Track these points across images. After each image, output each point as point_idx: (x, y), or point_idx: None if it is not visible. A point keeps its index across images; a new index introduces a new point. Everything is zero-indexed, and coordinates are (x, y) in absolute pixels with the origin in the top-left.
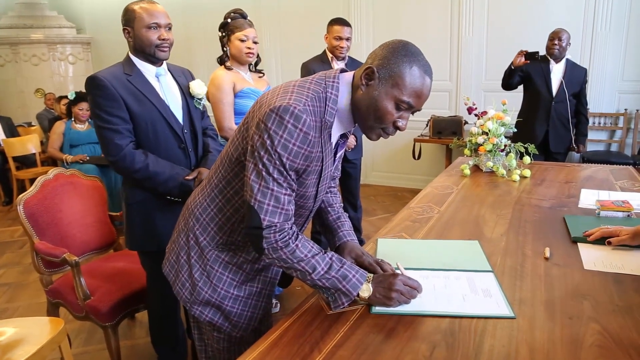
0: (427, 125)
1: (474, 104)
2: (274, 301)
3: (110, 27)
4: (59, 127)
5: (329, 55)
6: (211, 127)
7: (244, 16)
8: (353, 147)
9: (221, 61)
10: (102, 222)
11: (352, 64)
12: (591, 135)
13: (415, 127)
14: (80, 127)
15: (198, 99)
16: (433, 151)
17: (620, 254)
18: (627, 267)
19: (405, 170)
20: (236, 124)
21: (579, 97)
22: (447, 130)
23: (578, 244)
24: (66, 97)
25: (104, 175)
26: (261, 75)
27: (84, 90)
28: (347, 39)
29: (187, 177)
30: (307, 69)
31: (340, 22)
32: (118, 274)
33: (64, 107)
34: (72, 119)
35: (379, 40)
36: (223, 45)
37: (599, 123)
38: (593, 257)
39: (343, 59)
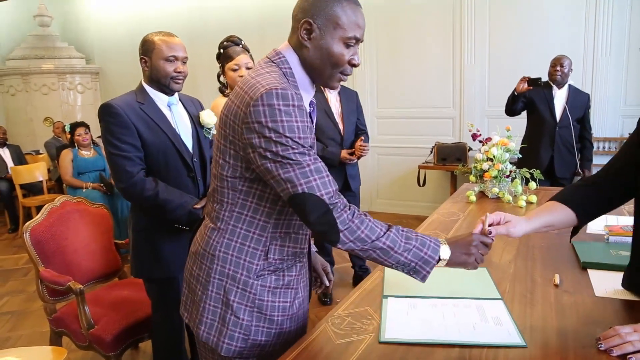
0: (431, 152)
1: (478, 131)
2: None
3: (117, 57)
4: (68, 155)
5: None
6: None
7: (237, 43)
8: (356, 159)
9: (221, 91)
10: (107, 250)
11: (346, 91)
12: (596, 160)
13: (419, 154)
14: (87, 153)
15: (208, 128)
16: (438, 178)
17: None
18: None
19: (410, 197)
20: None
21: (583, 122)
22: (452, 157)
23: (588, 270)
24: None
25: (110, 203)
26: None
27: (90, 118)
28: None
29: (195, 206)
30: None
31: None
32: (122, 303)
33: (67, 136)
34: (77, 147)
35: (382, 69)
36: (219, 76)
37: (604, 147)
38: (604, 284)
39: (335, 88)
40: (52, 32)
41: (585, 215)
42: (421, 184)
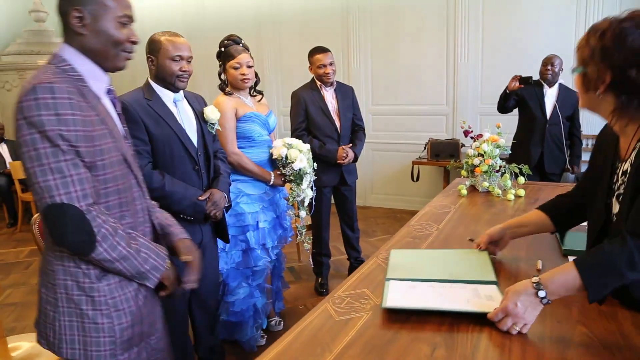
0: (425, 148)
1: (469, 127)
2: (276, 319)
3: None
4: None
5: (317, 83)
6: (221, 150)
7: (237, 42)
8: (349, 160)
9: (221, 89)
10: None
11: (341, 87)
12: (585, 156)
13: (413, 150)
14: None
15: (211, 123)
16: (431, 173)
17: None
18: None
19: (404, 192)
20: (240, 148)
21: (573, 120)
22: (445, 153)
23: (569, 257)
24: None
25: None
26: (260, 98)
27: None
28: (331, 64)
29: (200, 198)
30: (297, 98)
31: (320, 50)
32: None
33: None
34: None
35: (377, 66)
36: (220, 74)
37: (593, 145)
38: None
39: (331, 84)
40: (47, 27)
41: (559, 224)
42: (415, 179)
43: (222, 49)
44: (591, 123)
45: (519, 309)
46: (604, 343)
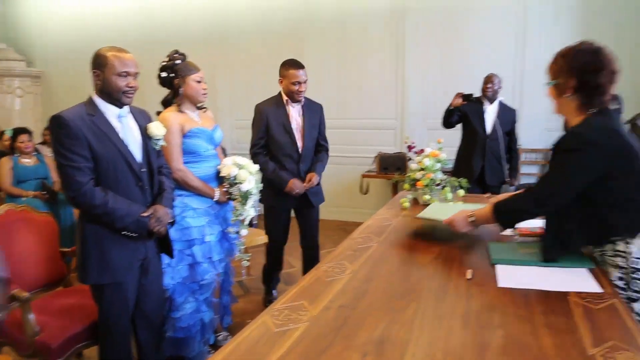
0: (374, 162)
1: (413, 143)
2: (224, 333)
3: (61, 61)
4: (7, 163)
5: (284, 98)
6: (166, 166)
7: (185, 57)
8: (315, 184)
9: (168, 102)
10: (53, 258)
11: (310, 105)
12: (523, 169)
13: (363, 163)
14: (27, 161)
15: (156, 139)
16: (380, 186)
17: (529, 272)
18: (533, 284)
19: (355, 205)
20: (186, 163)
21: (511, 135)
22: (393, 166)
23: (496, 265)
24: (4, 132)
25: (53, 211)
26: (205, 110)
27: (29, 123)
28: (305, 82)
29: (143, 214)
30: (260, 112)
31: (296, 65)
32: (68, 310)
33: (7, 142)
34: (18, 155)
35: (327, 81)
36: (171, 87)
37: (530, 158)
38: (507, 276)
39: (300, 101)
40: None
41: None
42: (364, 192)
43: (177, 61)
44: (529, 138)
45: (457, 223)
46: (519, 344)
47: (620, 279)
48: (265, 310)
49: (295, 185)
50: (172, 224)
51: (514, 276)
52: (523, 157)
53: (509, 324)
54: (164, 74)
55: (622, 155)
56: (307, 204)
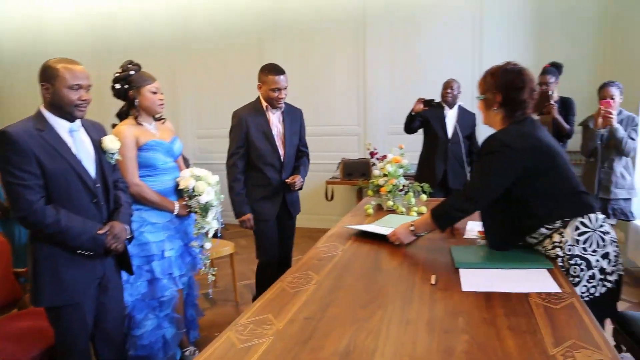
0: (337, 168)
1: (375, 149)
2: (191, 348)
3: (8, 73)
4: None
5: (264, 104)
6: (122, 180)
7: (140, 68)
8: (298, 186)
9: (124, 115)
10: (5, 280)
11: (290, 110)
12: None
13: (327, 170)
14: None
15: (110, 153)
16: (345, 192)
17: (491, 274)
18: (496, 286)
19: (320, 212)
20: (144, 177)
21: (472, 139)
22: (357, 172)
23: (460, 269)
24: None
25: (5, 230)
26: (163, 120)
27: None
28: (285, 88)
29: (99, 231)
30: (238, 119)
31: (277, 70)
32: (24, 334)
33: None
34: None
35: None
36: (126, 98)
37: None
38: (470, 280)
39: (280, 108)
40: None
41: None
42: (329, 198)
43: (132, 72)
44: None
45: (400, 236)
46: (483, 348)
47: (562, 267)
48: (230, 325)
49: (250, 223)
50: (130, 240)
51: (477, 279)
52: None
53: (473, 328)
54: (117, 86)
55: (537, 154)
56: (287, 214)
